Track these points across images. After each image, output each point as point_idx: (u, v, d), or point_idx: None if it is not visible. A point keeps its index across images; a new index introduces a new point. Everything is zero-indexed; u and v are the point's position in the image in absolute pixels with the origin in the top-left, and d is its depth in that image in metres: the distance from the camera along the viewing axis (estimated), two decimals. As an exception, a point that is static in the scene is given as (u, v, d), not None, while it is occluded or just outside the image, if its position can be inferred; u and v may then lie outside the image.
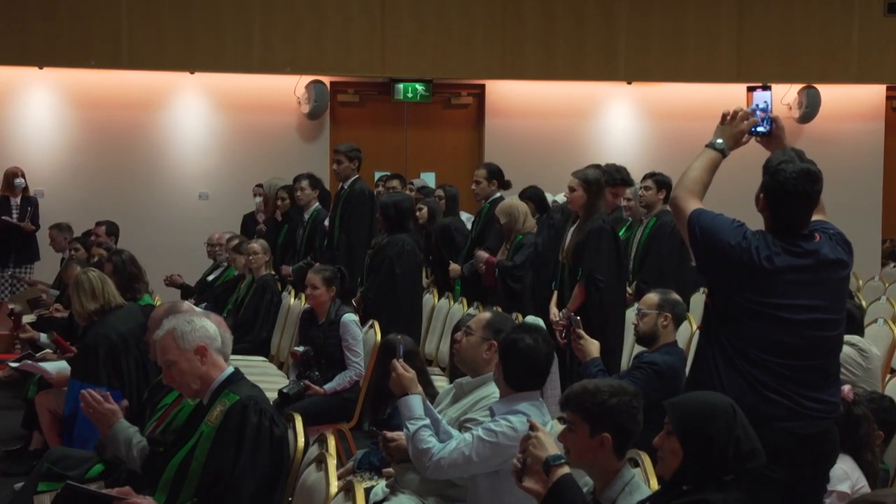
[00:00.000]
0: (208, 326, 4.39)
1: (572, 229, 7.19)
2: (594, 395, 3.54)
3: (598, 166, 7.72)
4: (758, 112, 4.22)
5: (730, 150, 4.18)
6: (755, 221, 4.14)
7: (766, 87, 4.35)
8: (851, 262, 4.12)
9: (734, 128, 4.18)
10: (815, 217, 4.11)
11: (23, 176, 11.93)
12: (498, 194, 9.29)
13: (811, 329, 3.97)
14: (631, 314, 6.66)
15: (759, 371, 3.93)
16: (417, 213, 9.87)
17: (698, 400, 3.51)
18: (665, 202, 8.27)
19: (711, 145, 4.16)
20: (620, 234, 8.34)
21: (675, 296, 5.93)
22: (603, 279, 6.88)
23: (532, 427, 3.40)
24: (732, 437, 3.36)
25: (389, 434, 4.81)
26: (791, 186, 3.94)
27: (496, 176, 9.36)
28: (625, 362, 7.22)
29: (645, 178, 8.53)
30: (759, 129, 4.22)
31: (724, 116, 4.21)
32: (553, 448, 3.37)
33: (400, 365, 4.55)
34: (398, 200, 8.51)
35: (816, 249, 4.00)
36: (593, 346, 5.54)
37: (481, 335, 4.78)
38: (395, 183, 10.83)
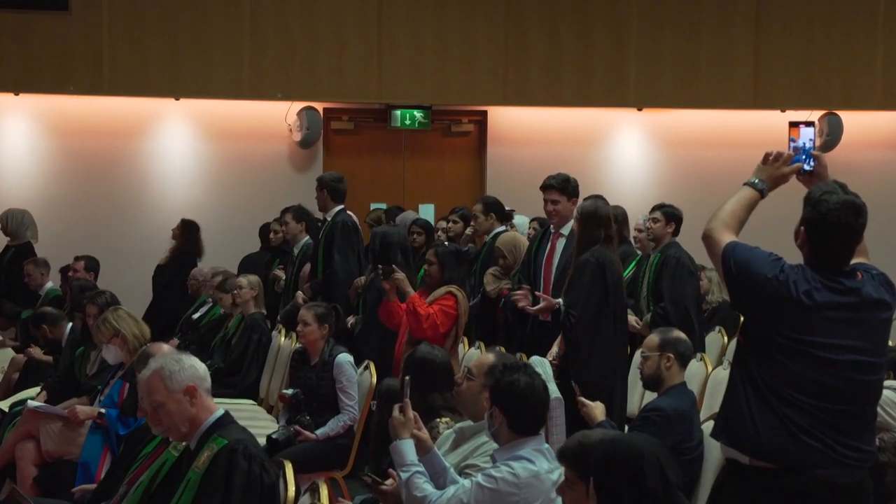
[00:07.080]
0: (197, 365, 4.41)
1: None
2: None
3: (599, 197, 7.46)
4: (802, 153, 4.20)
5: (768, 192, 4.18)
6: (794, 258, 4.05)
7: (808, 124, 4.24)
8: (895, 303, 4.08)
9: (776, 170, 4.17)
10: (856, 259, 4.08)
11: None
12: (499, 228, 9.06)
13: (851, 371, 3.91)
14: (638, 357, 6.51)
15: (793, 412, 3.88)
16: (473, 223, 9.54)
17: (607, 445, 3.49)
18: (674, 235, 8.23)
19: (751, 184, 4.16)
20: (627, 271, 8.24)
21: (678, 334, 5.83)
22: (575, 314, 6.74)
23: None
24: (632, 493, 3.35)
25: (381, 482, 4.73)
26: (834, 218, 3.91)
27: (493, 209, 9.15)
28: (634, 406, 7.18)
29: (653, 209, 8.37)
30: (805, 166, 4.19)
31: (766, 157, 4.19)
32: None
33: (396, 408, 4.56)
34: (386, 232, 8.31)
35: (859, 287, 3.95)
36: (598, 410, 5.66)
37: (482, 381, 4.80)
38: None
